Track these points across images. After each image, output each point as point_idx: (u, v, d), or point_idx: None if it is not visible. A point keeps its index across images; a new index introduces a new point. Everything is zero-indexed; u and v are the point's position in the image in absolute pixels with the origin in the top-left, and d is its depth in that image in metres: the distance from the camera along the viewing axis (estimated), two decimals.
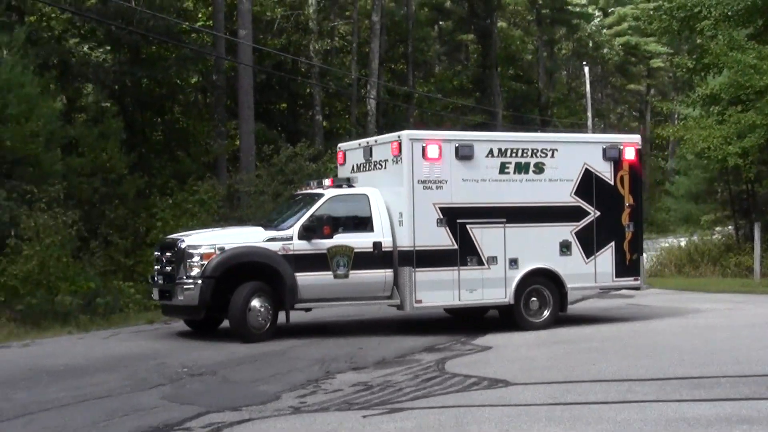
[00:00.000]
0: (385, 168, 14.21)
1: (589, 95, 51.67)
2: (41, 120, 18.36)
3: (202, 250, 12.96)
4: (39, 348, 13.09)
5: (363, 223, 13.82)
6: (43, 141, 18.36)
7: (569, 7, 50.85)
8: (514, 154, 14.34)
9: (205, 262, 12.85)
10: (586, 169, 14.77)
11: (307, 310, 13.85)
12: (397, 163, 13.83)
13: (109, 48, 24.63)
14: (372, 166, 14.56)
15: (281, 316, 13.36)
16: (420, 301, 13.67)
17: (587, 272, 14.73)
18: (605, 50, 57.43)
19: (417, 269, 13.61)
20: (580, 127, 48.23)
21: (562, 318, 14.73)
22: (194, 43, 27.63)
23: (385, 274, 13.65)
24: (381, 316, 16.04)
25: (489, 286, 14.05)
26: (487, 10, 44.22)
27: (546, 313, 14.46)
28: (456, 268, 13.87)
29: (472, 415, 8.14)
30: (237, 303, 12.83)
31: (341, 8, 38.30)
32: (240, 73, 26.20)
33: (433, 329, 14.52)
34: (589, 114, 50.23)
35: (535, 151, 14.46)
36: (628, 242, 15.03)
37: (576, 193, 14.69)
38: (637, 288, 15.55)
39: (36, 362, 11.60)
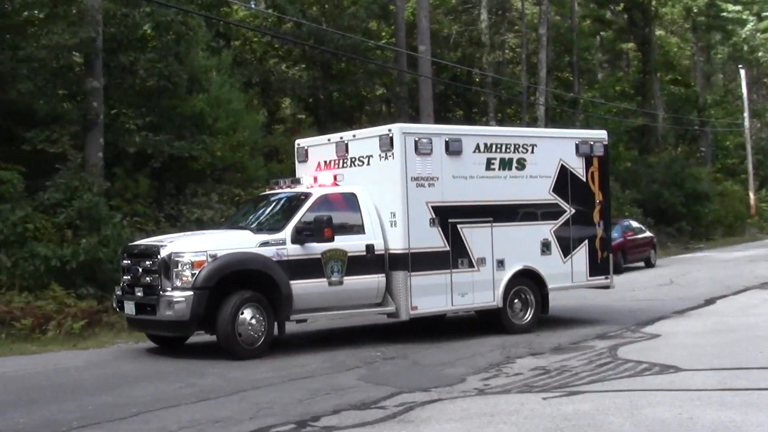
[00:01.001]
0: (368, 164, 13.26)
1: (745, 96, 53.86)
2: (246, 131, 21.51)
3: (191, 258, 11.49)
4: None
5: (354, 225, 12.83)
6: (248, 150, 21.51)
7: (724, 14, 52.44)
8: (498, 149, 13.84)
9: (196, 271, 11.42)
10: (562, 165, 14.57)
11: (301, 321, 12.72)
12: (386, 158, 12.94)
13: (304, 66, 29.10)
14: (349, 162, 13.57)
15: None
16: (416, 308, 12.85)
17: (565, 272, 14.50)
18: (760, 53, 59.68)
19: (412, 273, 12.81)
20: (737, 127, 52.42)
21: (724, 310, 15.60)
22: (379, 59, 31.45)
23: (378, 280, 12.73)
24: None
25: (479, 289, 13.47)
26: (646, 19, 47.24)
27: (528, 316, 14.08)
28: (449, 271, 13.18)
29: (646, 398, 8.45)
30: (226, 315, 11.47)
31: (511, 23, 41.80)
32: (420, 85, 28.75)
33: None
34: (746, 114, 52.87)
35: (516, 146, 14.03)
36: (599, 240, 14.96)
37: (554, 190, 14.45)
38: (607, 287, 15.49)
39: None
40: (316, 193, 12.77)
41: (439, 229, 13.11)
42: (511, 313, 13.89)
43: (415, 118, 30.13)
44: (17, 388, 10.09)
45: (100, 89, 18.15)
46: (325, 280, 12.28)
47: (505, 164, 13.90)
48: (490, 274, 13.59)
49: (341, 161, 13.69)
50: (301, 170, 14.34)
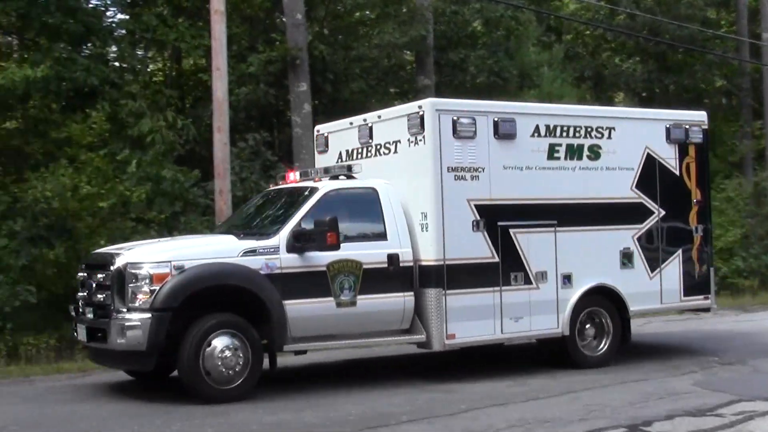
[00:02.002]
0: (395, 152, 10.56)
1: None
2: None
3: (150, 270, 8.95)
4: None
5: (373, 229, 10.15)
6: None
7: None
8: (565, 134, 10.98)
9: (156, 287, 8.88)
10: (648, 154, 11.60)
11: (300, 352, 10.10)
12: (416, 144, 10.23)
13: (638, 59, 27.54)
14: (374, 151, 10.90)
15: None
16: (453, 336, 10.08)
17: (652, 290, 11.51)
18: None
19: (448, 291, 10.06)
20: None
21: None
22: (718, 48, 29.12)
23: (404, 299, 10.01)
24: None
25: (538, 312, 10.63)
26: None
27: (604, 346, 11.19)
28: (498, 288, 10.39)
29: None
30: (187, 346, 8.89)
31: None
32: (764, 75, 27.12)
33: None
34: None
35: (589, 129, 11.15)
36: (697, 250, 11.94)
37: (638, 186, 11.49)
38: (707, 309, 12.46)
39: None
40: (324, 188, 10.10)
41: (485, 234, 10.31)
42: (581, 342, 11.03)
43: (758, 112, 28.82)
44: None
45: (432, 86, 19.19)
46: (332, 299, 9.60)
47: (574, 152, 11.02)
48: (554, 292, 10.74)
49: (365, 149, 11.03)
50: (321, 162, 11.73)
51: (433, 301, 9.97)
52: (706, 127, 12.20)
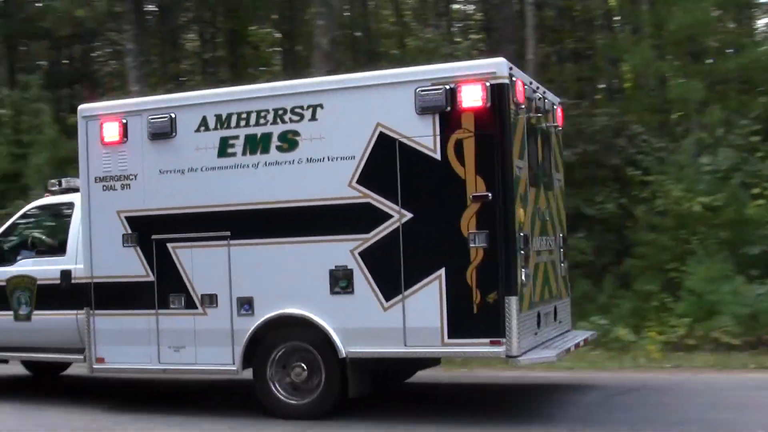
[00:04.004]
0: None
1: None
2: None
3: None
4: None
5: (59, 245, 10.28)
6: None
7: None
8: (243, 122, 9.04)
9: None
10: (381, 133, 8.54)
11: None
12: None
13: None
14: None
15: None
16: (102, 360, 9.60)
17: (388, 326, 8.50)
18: None
19: (97, 312, 9.59)
20: None
21: None
22: None
23: (77, 317, 9.93)
24: None
25: (205, 343, 9.16)
26: None
27: (316, 392, 8.86)
28: (153, 311, 9.37)
29: None
30: None
31: None
32: None
33: None
34: None
35: (281, 112, 8.89)
36: (476, 269, 8.22)
37: (361, 181, 8.61)
38: (501, 356, 8.37)
39: None
40: (35, 203, 10.60)
41: (138, 249, 9.41)
42: (279, 386, 9.02)
43: None
44: None
45: None
46: (11, 313, 10.28)
47: (256, 144, 8.96)
48: (227, 320, 9.07)
49: None
50: None
51: (84, 320, 9.66)
52: (502, 80, 8.20)
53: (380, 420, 8.79)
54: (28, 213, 10.78)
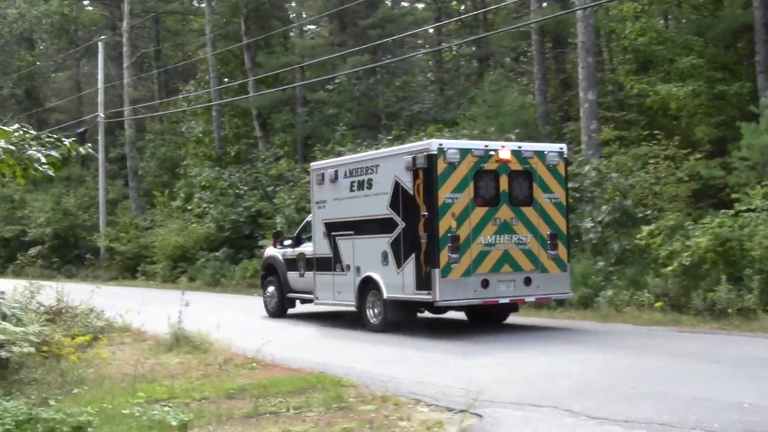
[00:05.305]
0: None
1: None
2: None
3: None
4: None
5: (307, 237, 20.05)
6: None
7: None
8: (354, 173, 17.91)
9: None
10: (396, 181, 16.66)
11: None
12: None
13: None
14: None
15: None
16: (317, 298, 19.33)
17: (398, 282, 16.59)
18: None
19: (317, 272, 19.35)
20: None
21: None
22: None
23: (314, 275, 19.73)
24: None
25: (346, 290, 18.09)
26: None
27: (381, 316, 17.23)
28: (331, 272, 18.75)
29: None
30: None
31: None
32: None
33: None
34: None
35: (367, 168, 17.51)
36: (424, 254, 15.98)
37: (391, 205, 16.81)
38: (431, 303, 15.83)
39: None
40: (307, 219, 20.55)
41: (328, 239, 18.87)
42: (366, 312, 17.66)
43: None
44: None
45: None
46: (297, 272, 20.51)
47: (360, 185, 17.72)
48: (352, 277, 18.06)
49: None
50: None
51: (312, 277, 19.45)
52: (434, 152, 15.82)
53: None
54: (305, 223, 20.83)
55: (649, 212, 21.41)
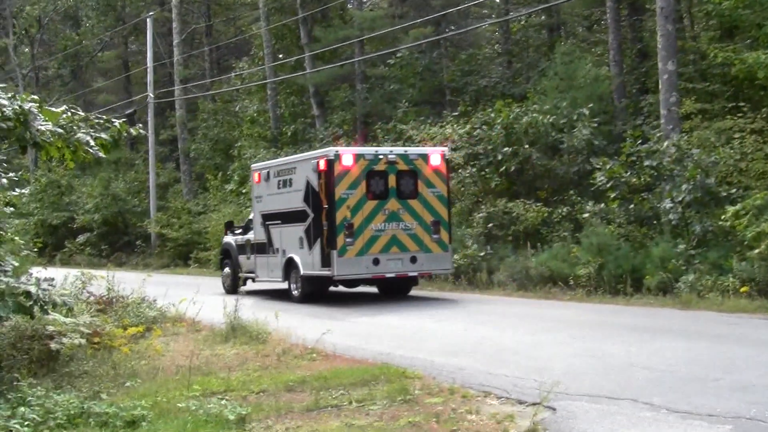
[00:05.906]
0: None
1: None
2: None
3: None
4: None
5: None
6: None
7: None
8: (280, 174, 23.03)
9: None
10: (307, 180, 21.47)
11: None
12: None
13: None
14: None
15: None
16: (258, 276, 24.39)
17: (309, 261, 21.29)
18: None
19: (256, 255, 23.89)
20: None
21: None
22: None
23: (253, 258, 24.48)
24: None
25: (276, 269, 23.00)
26: None
27: (300, 291, 21.99)
28: (266, 255, 23.75)
29: None
30: None
31: None
32: None
33: None
34: None
35: (288, 170, 22.48)
36: (326, 238, 20.56)
37: (304, 200, 21.58)
38: (331, 277, 20.53)
39: None
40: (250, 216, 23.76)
41: (263, 228, 23.93)
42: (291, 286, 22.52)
43: None
44: None
45: None
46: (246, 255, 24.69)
47: (284, 183, 22.91)
48: (280, 258, 23.21)
49: None
50: None
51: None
52: (332, 157, 20.44)
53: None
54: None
55: (734, 191, 20.96)
